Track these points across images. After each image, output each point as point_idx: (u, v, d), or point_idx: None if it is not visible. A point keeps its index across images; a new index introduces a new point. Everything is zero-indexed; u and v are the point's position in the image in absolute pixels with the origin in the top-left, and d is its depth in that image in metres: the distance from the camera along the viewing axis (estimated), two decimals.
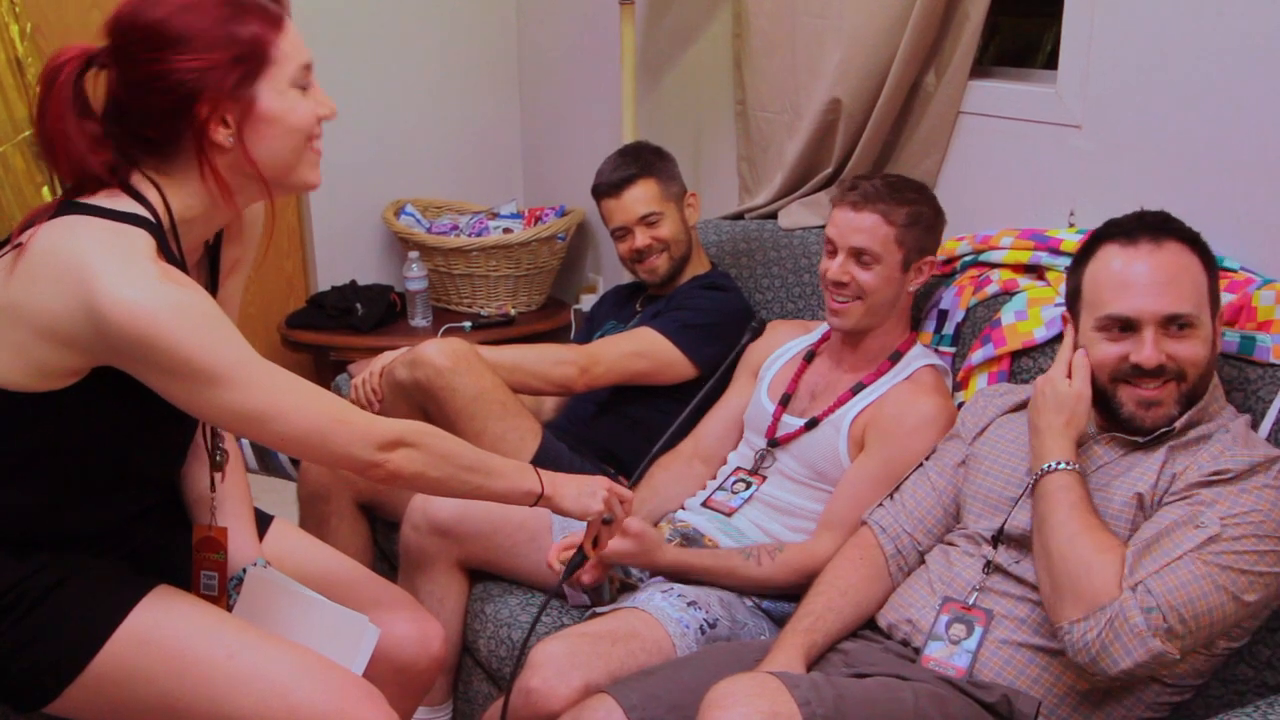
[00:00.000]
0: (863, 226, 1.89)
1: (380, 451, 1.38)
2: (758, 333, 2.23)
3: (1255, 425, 1.54)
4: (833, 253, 1.93)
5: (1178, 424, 1.49)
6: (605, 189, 2.35)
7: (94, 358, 1.27)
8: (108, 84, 1.31)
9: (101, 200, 1.30)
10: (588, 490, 1.63)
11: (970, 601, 1.55)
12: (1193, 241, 1.51)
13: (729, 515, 1.99)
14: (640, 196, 2.32)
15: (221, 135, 1.32)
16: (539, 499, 1.57)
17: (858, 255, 1.90)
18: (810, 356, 2.07)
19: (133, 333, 1.21)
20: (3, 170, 2.96)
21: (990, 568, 1.56)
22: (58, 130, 1.30)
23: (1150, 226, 1.51)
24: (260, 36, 1.32)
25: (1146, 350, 1.47)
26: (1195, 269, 1.49)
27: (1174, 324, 1.47)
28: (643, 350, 2.24)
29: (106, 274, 1.21)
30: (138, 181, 1.34)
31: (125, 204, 1.31)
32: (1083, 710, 1.46)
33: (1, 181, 2.97)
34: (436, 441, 1.46)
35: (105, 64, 1.31)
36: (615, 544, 1.75)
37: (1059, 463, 1.48)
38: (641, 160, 2.35)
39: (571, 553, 1.79)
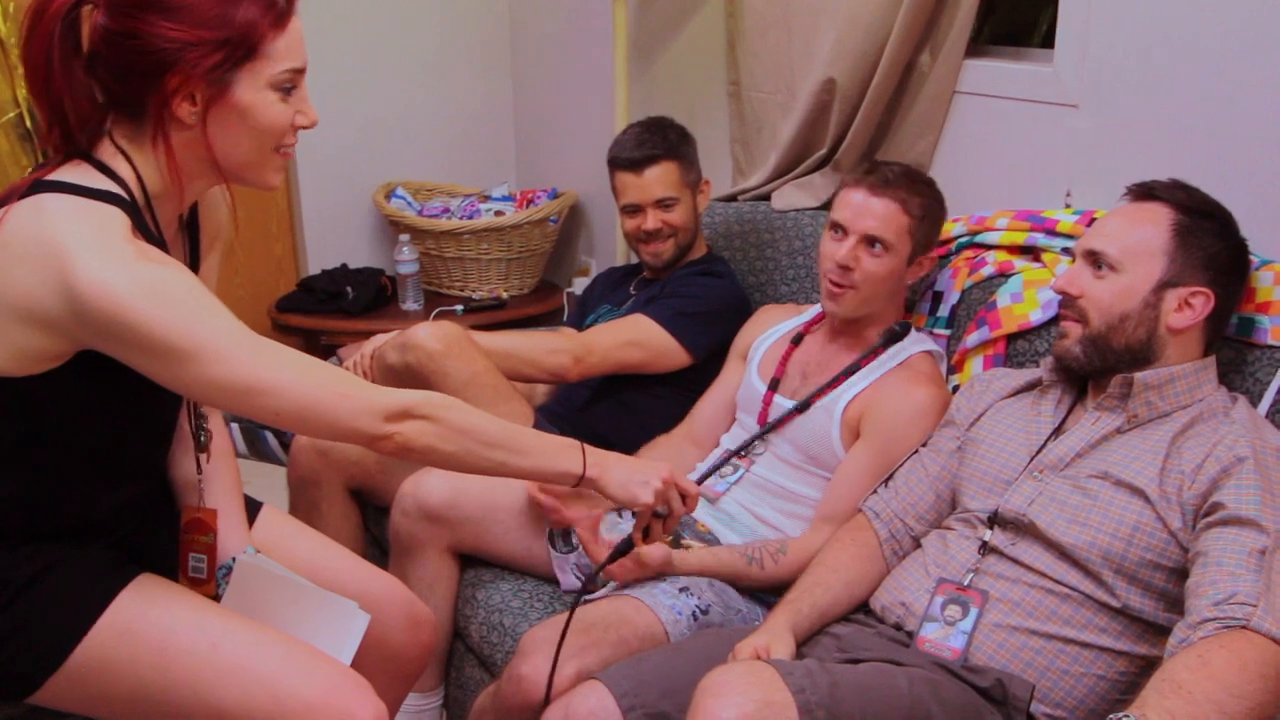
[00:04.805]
0: (880, 212, 1.84)
1: (387, 423, 1.31)
2: None
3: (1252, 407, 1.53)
4: (840, 235, 1.88)
5: None
6: (626, 163, 2.28)
7: (74, 341, 1.25)
8: (91, 28, 1.27)
9: (73, 177, 1.28)
10: (639, 478, 1.50)
11: (966, 582, 1.54)
12: None
13: (713, 501, 1.97)
14: (660, 178, 2.27)
15: (185, 111, 1.29)
16: (580, 480, 1.46)
17: (869, 241, 1.85)
18: (798, 339, 2.05)
19: (112, 314, 1.19)
20: None
21: (986, 549, 1.55)
22: (41, 63, 1.26)
23: None
24: (254, 26, 1.27)
25: None
26: None
27: None
28: (637, 339, 2.21)
29: (82, 255, 1.19)
30: (108, 154, 1.31)
31: (97, 180, 1.28)
32: (1076, 694, 1.45)
33: None
34: (453, 415, 1.37)
35: (97, 4, 1.27)
36: (630, 570, 1.69)
37: None
38: (668, 141, 2.29)
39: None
